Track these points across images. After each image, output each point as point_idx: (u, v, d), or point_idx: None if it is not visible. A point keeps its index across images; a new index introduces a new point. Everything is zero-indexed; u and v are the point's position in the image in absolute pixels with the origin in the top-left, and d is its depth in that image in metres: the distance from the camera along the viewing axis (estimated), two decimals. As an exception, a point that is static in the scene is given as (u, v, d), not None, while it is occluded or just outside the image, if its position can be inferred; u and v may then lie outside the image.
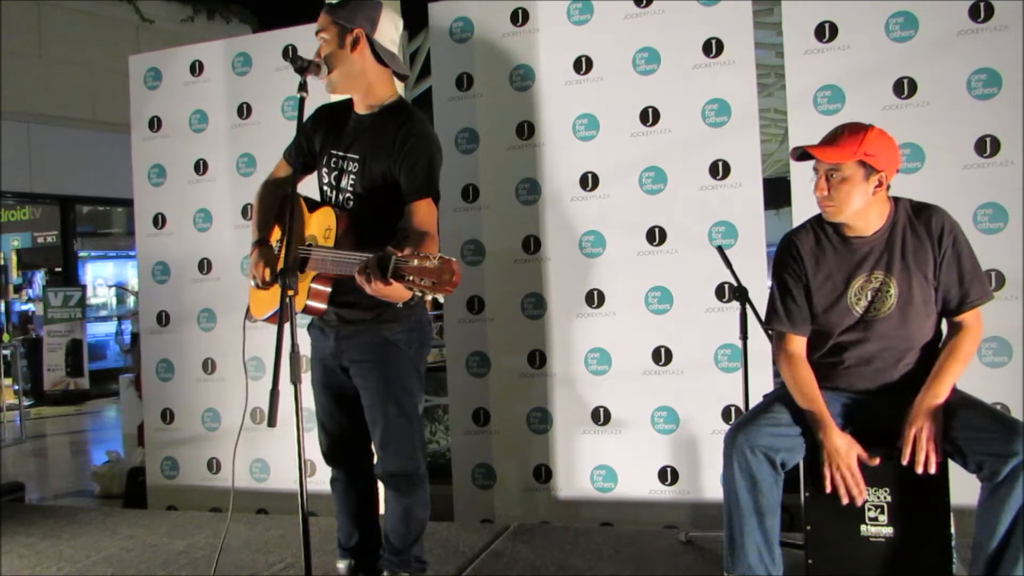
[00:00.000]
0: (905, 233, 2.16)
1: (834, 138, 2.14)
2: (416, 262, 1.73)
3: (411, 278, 1.73)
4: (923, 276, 2.14)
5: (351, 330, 2.25)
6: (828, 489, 2.09)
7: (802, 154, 2.19)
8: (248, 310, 2.36)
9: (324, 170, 2.30)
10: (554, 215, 3.43)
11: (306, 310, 2.13)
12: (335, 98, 2.40)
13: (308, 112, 2.28)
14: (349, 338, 2.26)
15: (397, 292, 1.83)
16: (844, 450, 2.07)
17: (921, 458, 2.01)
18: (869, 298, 2.17)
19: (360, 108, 2.30)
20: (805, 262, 2.24)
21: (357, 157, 2.24)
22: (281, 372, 1.80)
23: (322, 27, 2.22)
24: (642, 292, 3.31)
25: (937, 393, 2.06)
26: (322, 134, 2.34)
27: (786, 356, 2.25)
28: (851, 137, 2.11)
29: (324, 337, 2.32)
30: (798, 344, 2.25)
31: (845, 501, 2.07)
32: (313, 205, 2.30)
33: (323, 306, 2.16)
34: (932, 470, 2.01)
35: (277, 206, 2.37)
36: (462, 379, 3.55)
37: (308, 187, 2.34)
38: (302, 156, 2.36)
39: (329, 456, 2.41)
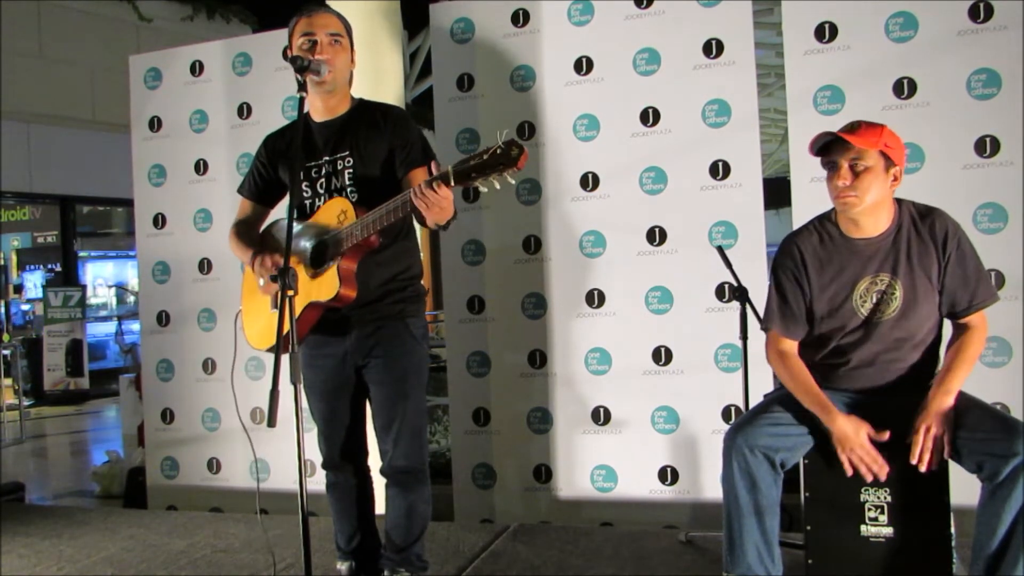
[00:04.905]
0: (910, 235, 2.16)
1: (853, 129, 2.12)
2: (473, 161, 1.84)
3: (476, 175, 1.84)
4: (927, 279, 2.14)
5: (375, 325, 2.26)
6: (849, 472, 2.06)
7: (820, 148, 2.15)
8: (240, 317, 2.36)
9: (304, 184, 2.30)
10: (554, 215, 3.43)
11: (337, 298, 2.12)
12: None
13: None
14: (372, 334, 2.26)
15: (450, 203, 1.97)
16: (852, 430, 2.06)
17: (927, 458, 2.01)
18: (874, 300, 2.16)
19: (323, 116, 2.32)
20: (808, 264, 2.22)
21: (347, 152, 2.27)
22: (281, 372, 1.81)
23: (341, 32, 2.26)
24: (642, 292, 3.31)
25: (948, 390, 2.06)
26: (281, 157, 2.36)
27: (777, 353, 2.26)
28: (870, 128, 2.10)
29: (334, 343, 2.29)
30: (789, 343, 2.26)
31: (869, 479, 2.05)
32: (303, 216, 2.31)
33: (353, 292, 2.15)
34: (935, 467, 2.01)
35: (256, 238, 2.39)
36: (462, 379, 3.55)
37: (280, 211, 2.34)
38: (266, 184, 2.41)
39: (334, 461, 2.39)
